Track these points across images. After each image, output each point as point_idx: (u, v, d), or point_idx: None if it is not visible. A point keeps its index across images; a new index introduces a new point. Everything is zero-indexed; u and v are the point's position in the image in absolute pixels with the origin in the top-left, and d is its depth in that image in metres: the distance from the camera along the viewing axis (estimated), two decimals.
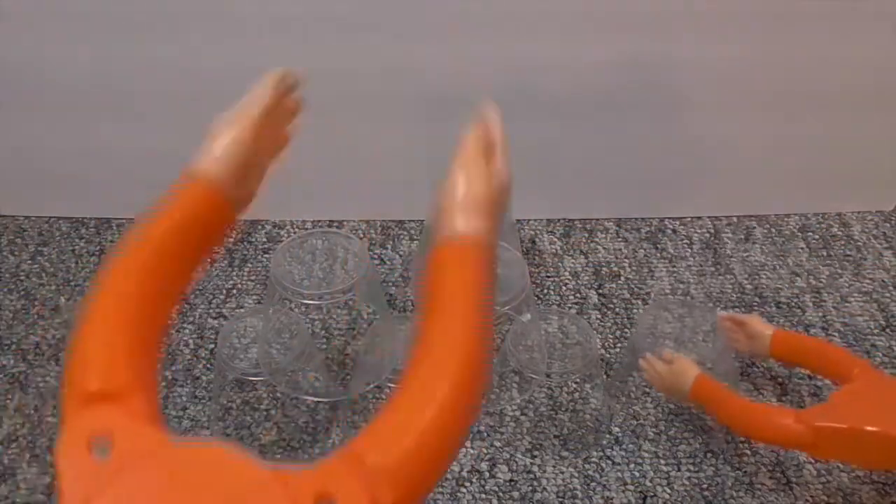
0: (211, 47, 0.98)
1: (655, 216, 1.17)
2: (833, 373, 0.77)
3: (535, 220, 1.15)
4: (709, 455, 0.86)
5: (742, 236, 1.14)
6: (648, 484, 0.83)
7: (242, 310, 1.02)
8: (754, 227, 1.15)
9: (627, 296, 1.04)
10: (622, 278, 1.07)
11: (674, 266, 1.09)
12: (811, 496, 0.82)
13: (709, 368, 0.85)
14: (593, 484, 0.83)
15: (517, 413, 0.90)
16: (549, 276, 1.07)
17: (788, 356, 0.84)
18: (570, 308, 1.02)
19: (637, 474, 0.84)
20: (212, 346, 0.98)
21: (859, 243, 1.12)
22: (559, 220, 1.16)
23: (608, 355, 0.97)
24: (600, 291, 1.05)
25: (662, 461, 0.85)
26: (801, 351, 0.83)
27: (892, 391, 0.73)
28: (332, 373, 0.94)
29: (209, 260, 0.55)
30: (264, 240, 1.13)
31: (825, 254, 1.11)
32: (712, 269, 1.08)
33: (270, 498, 0.37)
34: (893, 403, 0.70)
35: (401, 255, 1.11)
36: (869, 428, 0.67)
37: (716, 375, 0.88)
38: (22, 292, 1.05)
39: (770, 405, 0.82)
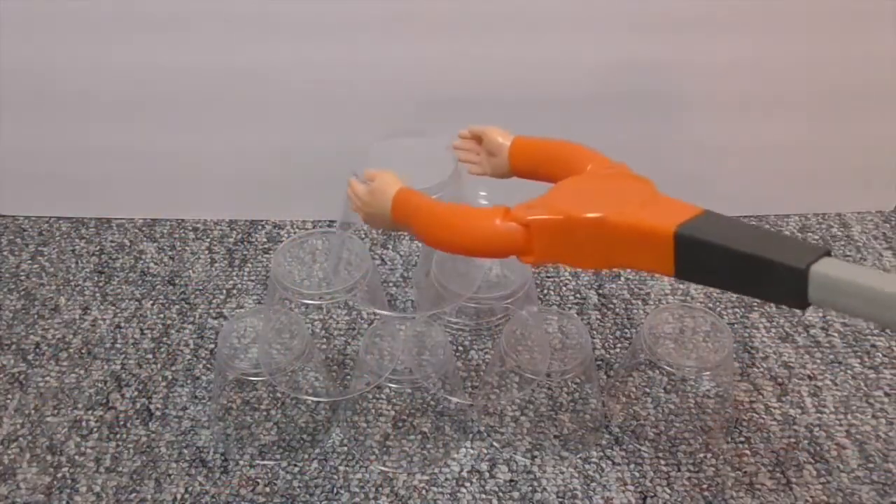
0: (211, 47, 0.98)
1: None
2: (567, 173, 0.67)
3: None
4: (709, 455, 0.86)
5: None
6: (648, 484, 0.83)
7: (242, 310, 1.02)
8: None
9: (627, 296, 1.04)
10: (622, 278, 1.07)
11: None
12: (811, 496, 0.82)
13: (708, 370, 0.86)
14: (593, 484, 0.83)
15: (517, 413, 0.90)
16: (549, 276, 1.07)
17: (527, 166, 0.72)
18: (569, 308, 1.03)
19: (637, 474, 0.84)
20: (212, 346, 0.98)
21: (859, 243, 1.12)
22: None
23: (608, 355, 0.97)
24: (600, 291, 1.05)
25: (662, 461, 0.85)
26: (538, 155, 0.71)
27: (618, 178, 0.64)
28: (332, 373, 0.94)
29: None
30: (264, 240, 1.13)
31: None
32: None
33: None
34: (618, 187, 0.62)
35: (401, 255, 1.11)
36: (586, 215, 0.57)
37: (715, 377, 0.88)
38: (22, 292, 1.05)
39: (479, 208, 0.65)
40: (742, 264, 0.52)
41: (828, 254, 0.50)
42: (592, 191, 0.62)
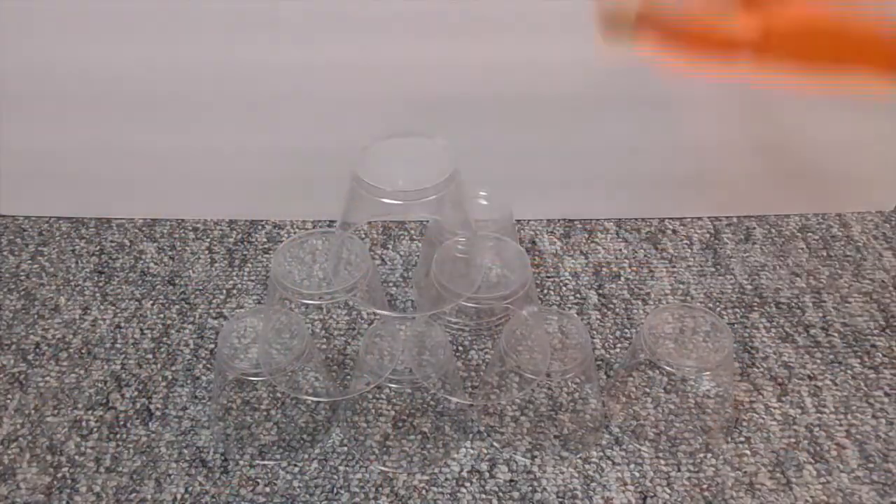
0: (211, 47, 0.98)
1: (655, 216, 1.17)
2: None
3: (535, 220, 1.16)
4: (709, 455, 0.86)
5: (742, 236, 1.14)
6: (648, 484, 0.83)
7: (242, 310, 1.02)
8: (754, 228, 1.15)
9: (627, 296, 1.04)
10: (622, 278, 1.07)
11: (674, 266, 1.09)
12: (811, 496, 0.82)
13: (708, 370, 0.86)
14: (593, 484, 0.83)
15: (517, 413, 0.90)
16: (549, 277, 1.07)
17: None
18: (570, 308, 1.03)
19: (637, 474, 0.84)
20: (212, 346, 0.98)
21: (859, 244, 1.12)
22: (559, 220, 1.16)
23: (608, 355, 0.97)
24: (600, 292, 1.05)
25: (662, 461, 0.86)
26: None
27: None
28: (332, 373, 0.94)
29: None
30: (264, 240, 1.13)
31: (825, 254, 1.11)
32: (712, 269, 1.08)
33: None
34: None
35: (401, 255, 1.11)
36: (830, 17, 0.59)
37: (715, 377, 0.88)
38: (22, 292, 1.05)
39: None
40: None
41: None
42: None
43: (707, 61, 0.67)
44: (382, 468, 0.85)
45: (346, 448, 0.87)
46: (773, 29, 0.60)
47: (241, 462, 0.85)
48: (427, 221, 1.10)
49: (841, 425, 0.89)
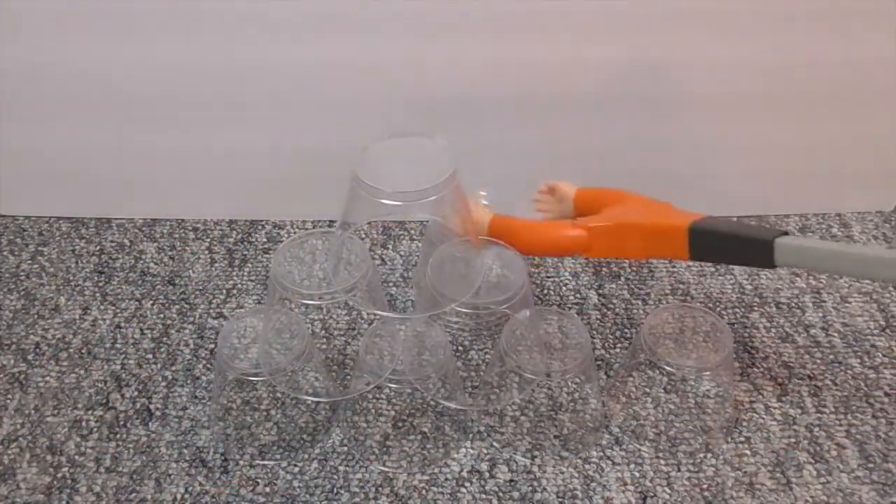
0: (211, 47, 0.98)
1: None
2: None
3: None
4: (709, 455, 0.86)
5: None
6: (648, 484, 0.83)
7: (242, 310, 1.02)
8: None
9: (627, 296, 1.04)
10: (622, 278, 1.07)
11: (674, 266, 1.09)
12: (811, 496, 0.82)
13: (708, 370, 0.86)
14: (593, 484, 0.83)
15: (517, 413, 0.90)
16: (549, 276, 1.07)
17: (585, 209, 0.91)
18: (569, 308, 1.03)
19: (637, 474, 0.84)
20: (212, 346, 0.98)
21: (859, 243, 1.12)
22: None
23: (608, 355, 0.97)
24: (600, 292, 1.05)
25: (662, 461, 0.86)
26: (591, 201, 0.90)
27: (648, 203, 0.87)
28: (332, 373, 0.94)
29: None
30: (264, 240, 1.13)
31: None
32: (712, 269, 1.08)
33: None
34: (649, 208, 0.86)
35: (401, 255, 1.11)
36: (630, 221, 0.83)
37: (715, 377, 0.88)
38: (22, 292, 1.05)
39: (554, 221, 0.92)
40: (731, 243, 0.79)
41: (785, 234, 0.75)
42: (631, 209, 0.86)
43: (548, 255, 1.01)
44: (382, 468, 0.85)
45: (346, 448, 0.87)
46: (595, 234, 0.83)
47: (241, 462, 0.85)
48: (427, 221, 1.10)
49: (841, 425, 0.89)
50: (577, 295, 1.05)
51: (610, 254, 0.86)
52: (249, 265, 1.09)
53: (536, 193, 0.97)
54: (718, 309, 1.02)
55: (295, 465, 0.85)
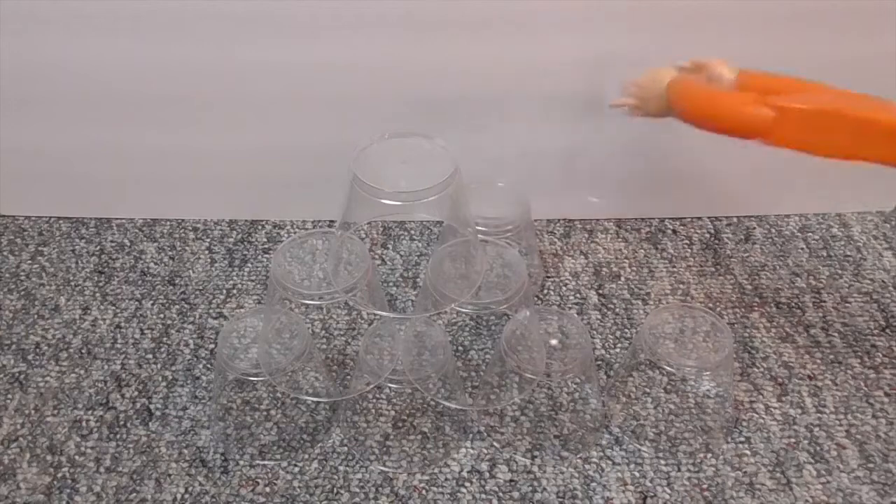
0: (211, 47, 0.98)
1: (655, 216, 1.17)
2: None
3: (536, 220, 1.15)
4: (709, 455, 0.86)
5: (742, 236, 1.14)
6: (648, 484, 0.83)
7: (242, 310, 1.02)
8: (754, 228, 1.15)
9: (627, 296, 1.04)
10: (622, 278, 1.07)
11: (674, 266, 1.09)
12: (811, 496, 0.82)
13: (708, 370, 0.86)
14: (593, 484, 0.83)
15: (517, 413, 0.90)
16: (549, 277, 1.07)
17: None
18: (569, 308, 1.03)
19: (637, 474, 0.84)
20: (212, 346, 0.98)
21: (859, 244, 1.12)
22: (559, 220, 1.16)
23: (608, 356, 0.97)
24: (600, 292, 1.05)
25: (662, 461, 0.85)
26: (769, 85, 0.80)
27: (851, 94, 0.75)
28: (332, 373, 0.94)
29: None
30: (264, 240, 1.13)
31: (825, 254, 1.11)
32: (712, 269, 1.08)
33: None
34: (854, 97, 0.73)
35: (401, 255, 1.11)
36: (836, 108, 0.69)
37: (715, 377, 0.88)
38: (22, 292, 1.05)
39: (738, 93, 0.80)
40: None
41: None
42: (833, 96, 0.73)
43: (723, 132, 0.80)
44: (382, 468, 0.85)
45: (346, 448, 0.87)
46: (786, 118, 0.69)
47: (241, 462, 0.85)
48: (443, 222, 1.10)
49: (841, 425, 0.89)
50: (577, 295, 1.05)
51: (798, 144, 0.72)
52: (249, 265, 1.09)
53: (672, 70, 0.85)
54: (718, 309, 1.02)
55: (295, 465, 0.85)
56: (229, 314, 1.02)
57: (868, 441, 0.87)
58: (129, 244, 1.13)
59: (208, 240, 1.14)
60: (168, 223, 1.16)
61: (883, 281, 1.07)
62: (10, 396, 0.92)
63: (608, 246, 1.12)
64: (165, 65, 1.00)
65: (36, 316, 1.02)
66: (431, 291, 0.80)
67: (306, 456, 0.86)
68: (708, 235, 1.14)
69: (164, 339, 0.99)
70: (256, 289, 1.06)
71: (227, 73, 1.01)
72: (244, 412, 0.89)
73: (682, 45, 0.98)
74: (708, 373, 0.87)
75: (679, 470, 0.85)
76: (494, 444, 0.87)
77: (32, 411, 0.91)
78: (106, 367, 0.96)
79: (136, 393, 0.92)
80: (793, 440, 0.87)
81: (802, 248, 1.12)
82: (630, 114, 0.88)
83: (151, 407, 0.91)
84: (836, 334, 0.99)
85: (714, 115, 0.75)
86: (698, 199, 1.16)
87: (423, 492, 0.83)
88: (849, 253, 1.11)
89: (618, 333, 1.00)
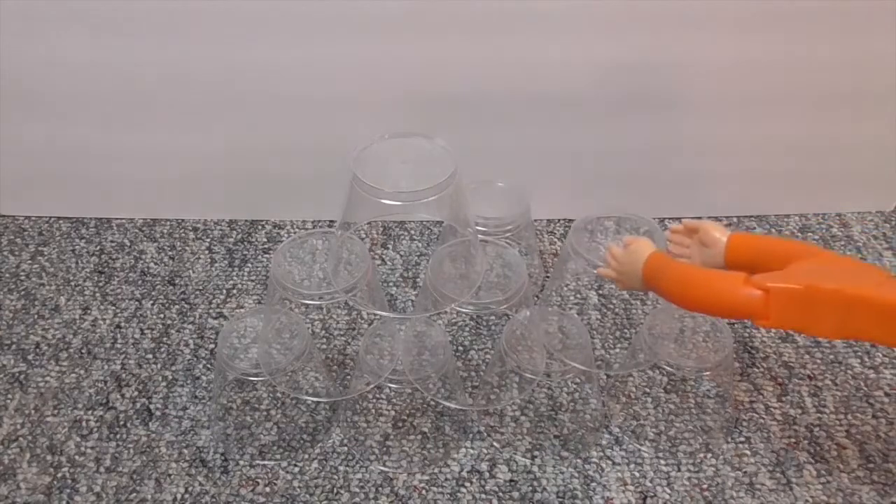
0: (211, 48, 0.98)
1: (655, 216, 1.17)
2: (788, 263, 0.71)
3: (535, 220, 1.15)
4: (709, 455, 0.86)
5: None
6: (648, 484, 0.83)
7: (242, 310, 1.02)
8: (754, 228, 1.15)
9: (627, 296, 1.04)
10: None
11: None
12: (811, 496, 0.82)
13: (708, 370, 0.86)
14: (593, 484, 0.83)
15: (517, 413, 0.90)
16: (549, 277, 1.07)
17: (744, 259, 0.76)
18: (570, 308, 1.03)
19: (637, 474, 0.84)
20: (212, 346, 0.98)
21: (859, 243, 1.12)
22: (559, 220, 1.16)
23: (608, 356, 0.97)
24: (600, 292, 1.05)
25: (662, 461, 0.85)
26: (758, 250, 0.75)
27: (847, 262, 0.71)
28: (332, 373, 0.94)
29: None
30: (264, 240, 1.13)
31: None
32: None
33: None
34: (850, 269, 0.68)
35: (401, 255, 1.11)
36: (825, 286, 0.62)
37: (715, 377, 0.88)
38: (22, 292, 1.05)
39: (722, 272, 0.75)
40: None
41: None
42: (827, 269, 0.67)
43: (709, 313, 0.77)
44: (382, 468, 0.85)
45: (346, 448, 0.87)
46: (776, 299, 0.64)
47: (241, 462, 0.85)
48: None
49: (841, 425, 0.89)
50: (577, 295, 1.05)
51: (794, 325, 0.66)
52: (249, 265, 1.09)
53: (668, 233, 0.83)
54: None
55: (295, 465, 0.85)
56: (229, 314, 1.02)
57: (868, 441, 0.87)
58: (129, 244, 1.13)
59: (208, 240, 1.14)
60: (168, 223, 1.16)
61: None
62: (10, 396, 0.92)
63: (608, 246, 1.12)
64: (165, 65, 1.00)
65: (36, 316, 1.02)
66: (431, 291, 0.80)
67: (306, 456, 0.86)
68: None
69: (164, 339, 0.99)
70: (256, 289, 1.06)
71: (227, 73, 1.01)
72: (244, 412, 0.89)
73: (683, 45, 0.98)
74: (708, 373, 0.87)
75: (679, 470, 0.85)
76: (494, 444, 0.87)
77: (32, 411, 0.91)
78: (106, 367, 0.95)
79: (136, 393, 0.92)
80: (793, 440, 0.87)
81: None
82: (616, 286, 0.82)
83: (151, 407, 0.91)
84: None
85: (696, 299, 0.69)
86: (699, 199, 1.15)
87: (423, 492, 0.83)
88: (849, 253, 1.11)
89: (617, 334, 0.99)
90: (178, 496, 0.82)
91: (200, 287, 1.06)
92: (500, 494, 0.82)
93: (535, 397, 0.91)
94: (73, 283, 1.07)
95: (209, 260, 1.10)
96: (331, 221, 1.15)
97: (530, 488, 0.83)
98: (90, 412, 0.90)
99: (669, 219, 1.16)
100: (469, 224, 0.82)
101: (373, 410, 0.90)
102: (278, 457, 0.86)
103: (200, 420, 0.89)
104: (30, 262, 1.10)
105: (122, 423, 0.89)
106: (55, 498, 0.82)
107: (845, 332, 0.64)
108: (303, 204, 1.16)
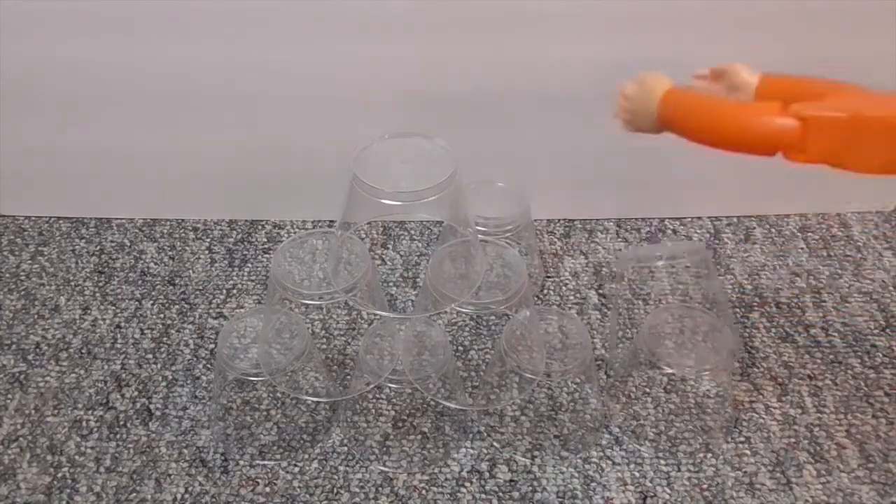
0: (211, 47, 0.98)
1: (655, 216, 1.17)
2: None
3: (535, 220, 1.15)
4: (709, 455, 0.86)
5: (742, 236, 1.14)
6: (648, 484, 0.83)
7: (242, 310, 1.02)
8: (754, 227, 1.15)
9: (627, 296, 1.04)
10: (622, 278, 1.07)
11: (674, 266, 1.09)
12: (811, 496, 0.82)
13: (708, 368, 0.86)
14: (593, 484, 0.83)
15: (517, 413, 0.90)
16: (549, 277, 1.07)
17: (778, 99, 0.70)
18: (570, 308, 1.03)
19: (637, 474, 0.84)
20: (212, 346, 0.98)
21: (859, 243, 1.12)
22: (559, 220, 1.16)
23: (608, 356, 0.97)
24: (600, 291, 1.05)
25: (662, 461, 0.85)
26: (791, 92, 0.69)
27: (887, 95, 0.64)
28: (332, 373, 0.94)
29: None
30: (264, 240, 1.13)
31: (825, 254, 1.11)
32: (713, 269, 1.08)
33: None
34: (892, 97, 0.63)
35: (401, 255, 1.11)
36: (872, 114, 0.59)
37: (715, 374, 0.88)
38: (22, 292, 1.05)
39: (752, 104, 0.70)
40: None
41: None
42: (871, 99, 0.62)
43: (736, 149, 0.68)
44: (382, 468, 0.85)
45: (346, 448, 0.87)
46: (813, 129, 0.59)
47: (241, 462, 0.85)
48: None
49: (841, 425, 0.89)
50: (577, 295, 1.05)
51: (832, 159, 0.61)
52: (249, 265, 1.09)
53: (693, 80, 0.76)
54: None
55: (295, 465, 0.85)
56: (229, 314, 1.02)
57: (868, 441, 0.87)
58: (129, 244, 1.13)
59: (208, 240, 1.14)
60: (168, 223, 1.16)
61: (883, 281, 1.07)
62: (10, 396, 0.92)
63: (608, 246, 1.12)
64: (165, 65, 1.00)
65: (36, 316, 1.02)
66: (431, 291, 0.80)
67: (306, 456, 0.86)
68: (708, 235, 1.14)
69: (164, 339, 0.99)
70: (256, 289, 1.06)
71: (227, 72, 1.01)
72: (244, 412, 0.89)
73: (683, 45, 0.98)
74: (708, 373, 0.87)
75: (679, 470, 0.85)
76: (494, 444, 0.87)
77: (32, 411, 0.91)
78: (106, 367, 0.95)
79: (136, 393, 0.92)
80: (793, 440, 0.87)
81: (802, 248, 1.12)
82: (621, 128, 0.78)
83: (151, 407, 0.91)
84: (836, 334, 0.99)
85: (722, 130, 0.64)
86: (698, 199, 1.16)
87: (423, 492, 0.83)
88: (849, 253, 1.11)
89: (619, 333, 0.99)
90: (178, 496, 0.82)
91: (200, 287, 1.06)
92: (500, 494, 0.82)
93: (535, 397, 0.91)
94: (73, 283, 1.07)
95: (209, 260, 1.10)
96: (331, 221, 1.15)
97: (530, 488, 0.83)
98: (90, 412, 0.90)
99: (670, 219, 1.16)
100: (469, 224, 0.82)
101: (373, 410, 0.90)
102: (278, 457, 0.86)
103: (200, 420, 0.89)
104: (30, 262, 1.10)
105: (122, 423, 0.89)
106: (55, 498, 0.82)
107: (891, 167, 0.59)
108: (303, 204, 1.16)
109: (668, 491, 0.83)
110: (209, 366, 0.95)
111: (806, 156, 0.61)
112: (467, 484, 0.83)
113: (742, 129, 0.63)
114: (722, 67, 0.74)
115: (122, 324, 1.01)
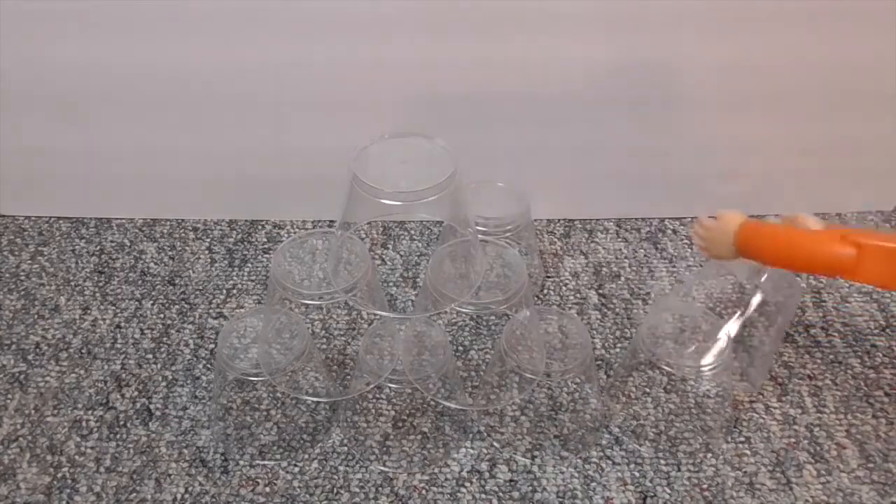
0: (211, 47, 0.98)
1: (655, 216, 1.17)
2: None
3: (535, 220, 1.16)
4: (709, 455, 0.86)
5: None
6: (648, 484, 0.83)
7: (242, 310, 1.02)
8: None
9: (627, 296, 1.04)
10: (622, 278, 1.07)
11: (674, 266, 1.09)
12: (811, 496, 0.82)
13: (713, 368, 0.86)
14: (593, 484, 0.83)
15: (517, 413, 0.90)
16: (549, 277, 1.07)
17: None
18: (570, 308, 1.03)
19: (637, 474, 0.84)
20: (212, 346, 0.98)
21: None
22: (559, 220, 1.16)
23: (608, 355, 0.97)
24: (600, 291, 1.05)
25: (662, 461, 0.86)
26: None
27: None
28: (332, 373, 0.94)
29: None
30: (264, 240, 1.13)
31: None
32: (712, 269, 1.08)
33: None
34: None
35: (401, 255, 1.11)
36: None
37: (717, 374, 0.88)
38: (22, 292, 1.05)
39: (816, 232, 0.78)
40: None
41: None
42: None
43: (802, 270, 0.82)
44: (382, 468, 0.85)
45: (346, 448, 0.87)
46: (868, 255, 0.70)
47: (241, 462, 0.85)
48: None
49: (841, 425, 0.89)
50: (577, 295, 1.05)
51: (884, 281, 0.72)
52: (249, 265, 1.10)
53: (741, 215, 0.85)
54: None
55: (295, 465, 0.85)
56: (229, 314, 1.02)
57: (868, 441, 0.87)
58: (129, 244, 1.13)
59: (208, 240, 1.14)
60: (168, 223, 1.16)
61: None
62: (10, 396, 0.92)
63: (608, 246, 1.12)
64: (165, 65, 1.00)
65: (36, 316, 1.02)
66: (431, 291, 0.80)
67: (306, 456, 0.86)
68: None
69: (164, 339, 0.99)
70: (256, 289, 1.06)
71: (226, 73, 1.01)
72: (244, 412, 0.89)
73: (683, 45, 0.98)
74: (708, 373, 0.87)
75: (679, 470, 0.85)
76: (494, 444, 0.87)
77: (32, 411, 0.91)
78: (106, 367, 0.96)
79: (136, 393, 0.92)
80: (793, 440, 0.87)
81: None
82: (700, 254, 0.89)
83: (151, 407, 0.91)
84: (836, 334, 0.99)
85: (791, 255, 0.75)
86: (698, 199, 1.16)
87: (423, 492, 0.83)
88: None
89: (618, 333, 1.00)
90: (178, 496, 0.82)
91: (200, 287, 1.06)
92: (500, 494, 0.82)
93: (535, 397, 0.91)
94: (73, 283, 1.07)
95: (209, 260, 1.10)
96: (331, 221, 1.15)
97: (530, 488, 0.83)
98: (90, 412, 0.90)
99: (670, 219, 1.16)
100: (469, 224, 0.82)
101: (373, 410, 0.90)
102: (278, 457, 0.86)
103: (200, 420, 0.90)
104: (30, 262, 1.10)
105: (122, 423, 0.89)
106: (55, 498, 0.82)
107: None
108: (303, 204, 1.16)
109: (668, 491, 0.83)
110: (209, 366, 0.95)
111: (861, 278, 0.71)
112: (467, 484, 0.83)
113: (808, 256, 0.74)
114: (790, 216, 0.82)
115: (122, 324, 1.01)
